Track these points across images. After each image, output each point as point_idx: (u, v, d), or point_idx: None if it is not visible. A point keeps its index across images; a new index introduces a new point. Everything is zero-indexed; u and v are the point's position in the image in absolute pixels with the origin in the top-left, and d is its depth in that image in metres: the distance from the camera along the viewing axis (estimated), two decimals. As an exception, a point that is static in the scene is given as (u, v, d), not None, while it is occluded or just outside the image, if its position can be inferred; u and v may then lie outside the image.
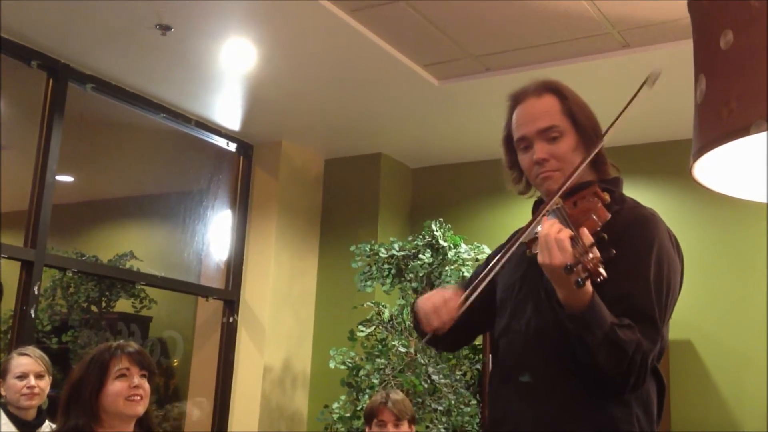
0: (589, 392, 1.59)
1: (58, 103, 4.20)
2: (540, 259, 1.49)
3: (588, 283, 1.45)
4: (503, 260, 1.68)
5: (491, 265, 1.71)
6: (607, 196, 1.63)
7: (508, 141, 1.84)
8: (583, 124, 1.74)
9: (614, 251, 1.45)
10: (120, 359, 2.26)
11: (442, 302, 1.74)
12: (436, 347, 1.94)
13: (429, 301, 1.76)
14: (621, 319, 1.54)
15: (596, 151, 1.69)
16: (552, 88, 1.79)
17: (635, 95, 1.62)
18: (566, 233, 1.47)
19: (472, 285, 1.72)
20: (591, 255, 1.42)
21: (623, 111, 1.64)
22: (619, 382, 1.55)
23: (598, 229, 1.53)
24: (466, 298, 1.72)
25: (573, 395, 1.60)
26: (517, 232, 1.85)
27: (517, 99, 1.82)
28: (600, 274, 1.41)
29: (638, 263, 1.61)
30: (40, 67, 4.17)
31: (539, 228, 1.57)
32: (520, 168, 1.82)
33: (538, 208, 1.79)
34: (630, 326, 1.54)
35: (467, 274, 3.99)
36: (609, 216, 1.57)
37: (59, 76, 4.22)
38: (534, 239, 1.57)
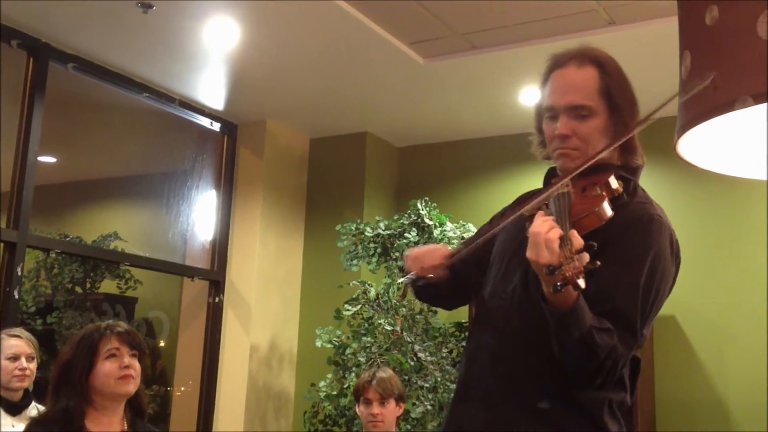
0: (559, 372, 1.59)
1: (39, 82, 4.15)
2: (528, 254, 1.47)
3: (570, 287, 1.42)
4: (499, 227, 1.68)
5: (489, 230, 1.71)
6: (619, 188, 1.60)
7: (539, 104, 1.76)
8: (619, 106, 1.66)
9: (599, 263, 1.40)
10: (109, 339, 2.25)
11: (428, 250, 1.78)
12: (418, 297, 1.93)
13: (417, 248, 1.83)
14: (601, 321, 1.51)
15: (618, 143, 1.63)
16: (595, 59, 1.69)
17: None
18: (557, 233, 1.43)
19: (465, 242, 1.76)
20: (574, 263, 1.38)
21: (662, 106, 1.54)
22: (585, 379, 1.56)
23: (598, 227, 1.52)
24: (456, 253, 1.75)
25: (547, 366, 1.60)
26: (525, 195, 1.84)
27: (557, 62, 1.72)
28: (578, 285, 1.38)
29: (631, 266, 1.58)
30: (21, 47, 4.11)
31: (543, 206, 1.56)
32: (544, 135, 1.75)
33: (549, 180, 1.75)
34: (608, 330, 1.52)
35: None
36: (610, 215, 1.54)
37: (40, 55, 4.17)
38: (534, 216, 1.56)
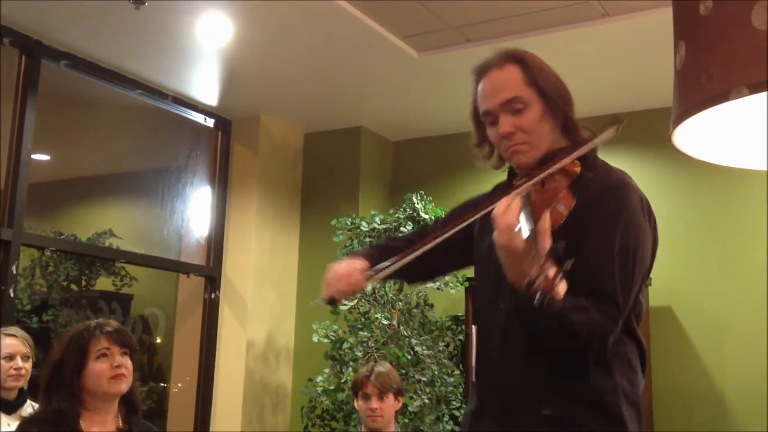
0: (572, 363, 1.60)
1: (32, 80, 4.14)
2: (498, 245, 1.52)
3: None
4: (455, 229, 1.71)
5: (447, 228, 1.74)
6: (577, 168, 1.63)
7: (476, 116, 1.82)
8: (549, 92, 1.71)
9: (570, 264, 1.39)
10: (99, 339, 2.23)
11: (347, 272, 1.82)
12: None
13: (338, 267, 1.85)
14: (576, 301, 1.52)
15: (581, 151, 1.67)
16: (514, 58, 1.76)
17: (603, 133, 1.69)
18: (519, 242, 1.46)
19: (397, 257, 1.77)
20: (547, 273, 1.36)
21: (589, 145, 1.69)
22: (577, 360, 1.58)
23: (562, 222, 1.53)
24: (376, 271, 1.78)
25: (555, 367, 1.61)
26: (498, 186, 1.88)
27: (480, 72, 1.79)
28: (557, 294, 1.38)
29: (604, 237, 1.60)
30: (13, 45, 4.09)
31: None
32: (489, 144, 1.81)
33: (512, 177, 1.80)
34: (584, 309, 1.53)
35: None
36: (573, 202, 1.56)
37: (32, 53, 4.15)
38: None
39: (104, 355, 2.21)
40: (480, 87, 1.78)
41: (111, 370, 2.20)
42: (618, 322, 1.59)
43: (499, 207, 1.52)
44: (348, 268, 1.82)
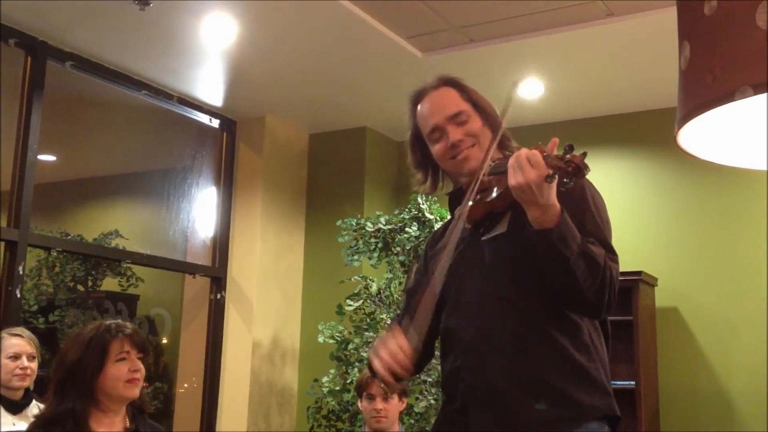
0: (553, 344, 1.65)
1: (38, 81, 4.15)
2: (513, 181, 1.55)
3: (555, 199, 1.54)
4: (441, 265, 1.69)
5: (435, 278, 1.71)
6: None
7: (415, 140, 1.96)
8: (485, 108, 1.87)
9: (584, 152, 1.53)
10: (121, 342, 2.23)
11: (397, 350, 1.66)
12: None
13: (382, 350, 1.68)
14: (584, 237, 1.62)
15: (500, 132, 1.78)
16: (448, 82, 1.91)
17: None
18: (535, 151, 1.54)
19: (421, 315, 1.67)
20: (569, 157, 1.49)
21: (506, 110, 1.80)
22: (594, 298, 1.61)
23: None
24: (418, 337, 1.68)
25: (536, 350, 1.66)
26: (445, 226, 1.96)
27: (417, 97, 1.94)
28: (587, 166, 1.48)
29: (581, 202, 1.70)
30: (18, 45, 4.11)
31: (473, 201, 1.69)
32: (426, 167, 1.94)
33: (456, 198, 1.90)
34: (593, 242, 1.63)
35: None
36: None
37: (37, 53, 4.16)
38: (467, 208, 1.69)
39: (124, 358, 2.22)
40: (421, 109, 1.92)
41: (129, 373, 2.21)
42: (618, 263, 1.67)
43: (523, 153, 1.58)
44: (396, 344, 1.67)
